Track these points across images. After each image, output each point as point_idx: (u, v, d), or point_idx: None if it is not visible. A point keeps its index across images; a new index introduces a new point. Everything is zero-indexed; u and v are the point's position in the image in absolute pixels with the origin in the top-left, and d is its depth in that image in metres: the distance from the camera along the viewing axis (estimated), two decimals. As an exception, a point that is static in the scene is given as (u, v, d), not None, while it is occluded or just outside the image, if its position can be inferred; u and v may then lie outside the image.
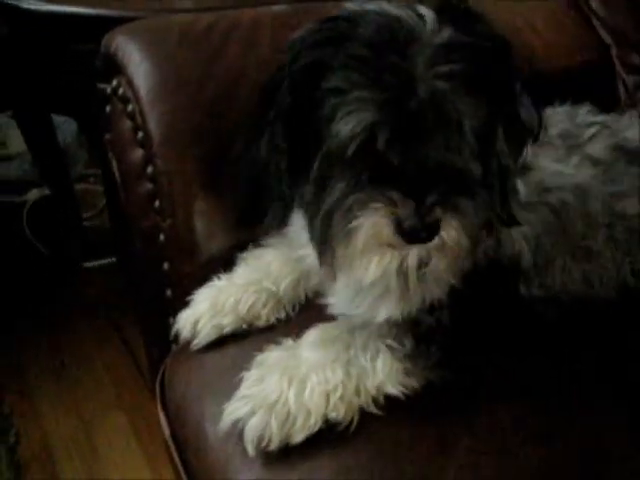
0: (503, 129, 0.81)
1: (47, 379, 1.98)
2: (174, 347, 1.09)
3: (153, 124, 1.05)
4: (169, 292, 1.13)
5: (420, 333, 0.86)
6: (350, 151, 0.75)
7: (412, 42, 0.75)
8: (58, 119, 2.22)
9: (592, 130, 1.07)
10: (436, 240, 0.75)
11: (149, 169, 1.08)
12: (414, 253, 0.78)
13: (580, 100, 1.15)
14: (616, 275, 1.03)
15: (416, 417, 0.84)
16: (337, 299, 0.93)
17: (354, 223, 0.75)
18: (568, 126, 1.07)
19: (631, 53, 1.41)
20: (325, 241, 0.79)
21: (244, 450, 0.82)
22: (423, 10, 0.78)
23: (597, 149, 1.05)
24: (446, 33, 0.76)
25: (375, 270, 0.80)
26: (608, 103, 1.42)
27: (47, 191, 2.29)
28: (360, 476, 0.79)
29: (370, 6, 0.80)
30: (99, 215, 2.45)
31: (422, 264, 0.80)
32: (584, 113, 1.12)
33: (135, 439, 1.80)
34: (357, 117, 0.73)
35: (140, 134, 1.08)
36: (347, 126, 0.74)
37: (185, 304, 1.02)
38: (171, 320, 1.12)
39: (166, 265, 1.12)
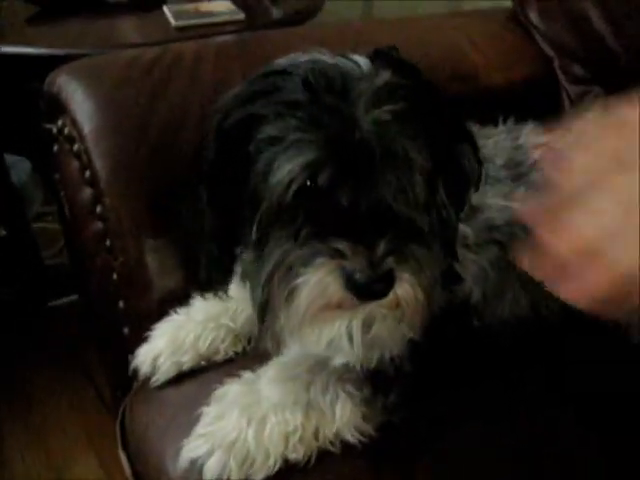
0: (444, 180, 0.78)
1: (14, 423, 1.94)
2: (134, 385, 1.08)
3: (99, 163, 1.04)
4: (126, 330, 1.12)
5: (379, 380, 0.84)
6: (289, 197, 0.70)
7: (350, 85, 0.71)
8: (11, 158, 2.20)
9: (536, 154, 1.05)
10: (390, 296, 0.69)
11: (98, 208, 1.07)
12: (365, 312, 0.73)
13: (525, 113, 1.15)
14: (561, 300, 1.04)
15: (371, 456, 0.83)
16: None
17: (296, 282, 0.68)
18: (512, 154, 1.05)
19: (573, 64, 1.43)
20: (266, 307, 0.72)
21: (205, 491, 0.81)
22: (357, 58, 0.76)
23: (540, 176, 1.01)
24: (384, 76, 0.73)
25: (324, 338, 0.78)
26: (553, 114, 1.45)
27: (3, 232, 2.25)
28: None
29: (303, 58, 0.77)
30: (59, 253, 2.42)
31: (372, 324, 0.76)
32: (527, 133, 1.10)
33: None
34: (296, 159, 0.69)
35: (87, 173, 1.07)
36: (284, 170, 0.69)
37: (143, 341, 1.00)
38: (130, 358, 1.11)
39: (121, 303, 1.10)
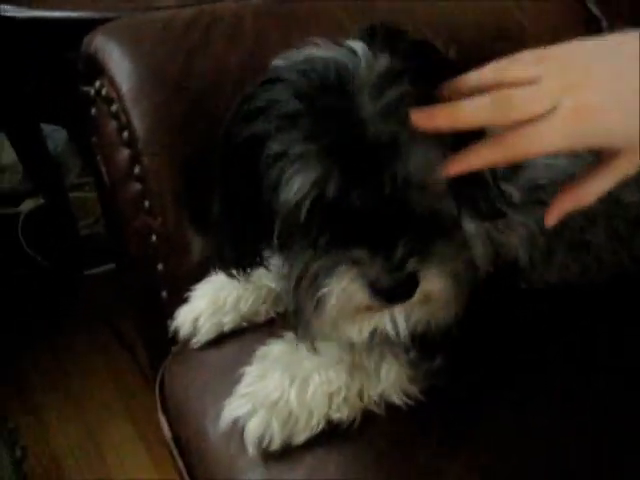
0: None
1: (51, 391, 1.96)
2: (173, 349, 1.07)
3: (137, 122, 1.03)
4: (164, 293, 1.11)
5: (425, 344, 0.82)
6: (303, 215, 0.69)
7: (348, 81, 0.68)
8: (48, 128, 2.20)
9: None
10: (417, 295, 0.68)
11: (136, 169, 1.06)
12: (397, 310, 0.73)
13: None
14: (614, 264, 1.01)
15: (417, 420, 0.82)
16: None
17: (322, 292, 0.68)
18: None
19: (623, 25, 1.38)
20: (298, 312, 0.73)
21: (246, 450, 0.80)
22: (353, 44, 0.72)
23: None
24: (383, 62, 0.70)
25: (361, 335, 0.77)
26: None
27: (41, 201, 2.27)
28: (363, 475, 0.78)
29: (298, 56, 0.74)
30: (95, 223, 2.43)
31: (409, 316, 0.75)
32: None
33: (143, 446, 1.78)
34: (302, 175, 0.67)
35: (125, 134, 1.06)
36: (291, 190, 0.68)
37: (182, 303, 1.00)
38: (168, 322, 1.10)
39: (160, 266, 1.09)
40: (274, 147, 0.69)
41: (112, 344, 2.11)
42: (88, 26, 1.24)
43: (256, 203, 0.72)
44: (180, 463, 0.93)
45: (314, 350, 0.79)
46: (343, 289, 0.67)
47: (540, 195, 0.93)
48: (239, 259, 0.80)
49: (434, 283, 0.68)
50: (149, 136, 1.02)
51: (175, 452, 0.95)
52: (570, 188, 0.71)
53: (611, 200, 0.98)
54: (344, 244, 0.67)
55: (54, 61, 1.91)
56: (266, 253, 0.82)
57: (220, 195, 0.76)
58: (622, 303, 0.98)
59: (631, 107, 0.63)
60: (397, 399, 0.81)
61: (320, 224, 0.69)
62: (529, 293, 0.98)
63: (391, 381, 0.81)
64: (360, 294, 0.67)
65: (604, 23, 1.41)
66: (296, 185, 0.67)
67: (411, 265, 0.65)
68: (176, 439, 0.95)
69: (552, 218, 0.71)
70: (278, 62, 0.75)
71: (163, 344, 1.12)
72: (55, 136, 2.33)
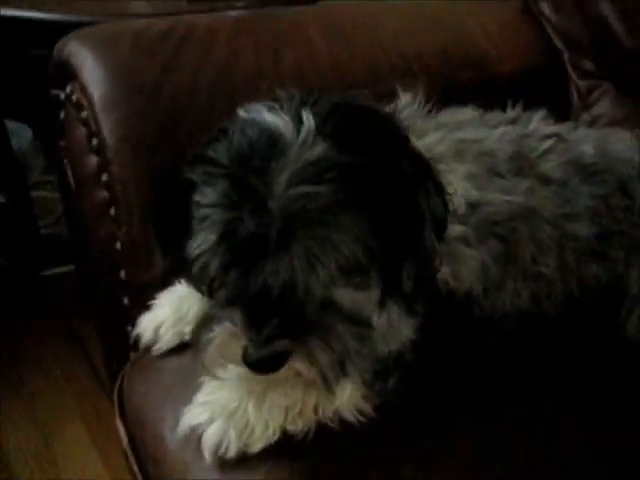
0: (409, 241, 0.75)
1: (6, 392, 1.95)
2: (132, 355, 1.08)
3: (107, 131, 1.04)
4: (126, 300, 1.12)
5: (378, 367, 0.84)
6: (195, 271, 0.75)
7: (277, 157, 0.69)
8: (12, 125, 2.19)
9: (546, 145, 1.05)
10: (285, 369, 0.73)
11: (104, 177, 1.07)
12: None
13: (533, 104, 1.15)
14: (564, 293, 1.04)
15: (369, 436, 0.83)
16: None
17: (208, 336, 0.74)
18: (519, 144, 1.03)
19: (582, 58, 1.44)
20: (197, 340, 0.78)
21: (203, 458, 0.81)
22: (305, 117, 0.72)
23: (550, 167, 1.02)
24: (318, 149, 0.70)
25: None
26: (561, 107, 1.46)
27: (2, 199, 2.25)
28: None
29: (252, 114, 0.76)
30: (56, 223, 2.42)
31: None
32: (538, 121, 1.10)
33: (95, 449, 1.78)
34: (201, 237, 0.72)
35: (95, 141, 1.07)
36: (193, 245, 0.73)
37: (143, 311, 1.00)
38: (129, 328, 1.11)
39: (123, 273, 1.11)
40: (197, 196, 0.73)
41: (68, 346, 2.11)
42: (58, 28, 1.26)
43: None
44: (136, 469, 0.94)
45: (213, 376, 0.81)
46: (224, 341, 0.73)
47: (496, 230, 0.96)
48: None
49: (302, 365, 0.72)
50: (119, 146, 1.04)
51: (131, 458, 0.95)
52: None
53: (562, 233, 1.02)
54: (235, 304, 0.72)
55: (23, 60, 1.90)
56: None
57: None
58: (571, 330, 1.02)
59: None
60: (350, 416, 0.83)
61: (218, 279, 0.75)
62: (482, 321, 1.01)
63: (345, 398, 0.83)
64: (236, 352, 0.72)
65: (565, 55, 1.46)
66: (195, 244, 0.72)
67: (277, 346, 0.70)
68: (133, 445, 0.96)
69: None
70: (241, 112, 0.78)
71: (122, 349, 1.13)
72: (20, 134, 2.31)
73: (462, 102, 1.07)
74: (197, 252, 0.72)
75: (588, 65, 1.44)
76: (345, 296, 0.75)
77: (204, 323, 0.76)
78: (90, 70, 1.08)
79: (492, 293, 0.98)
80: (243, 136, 0.72)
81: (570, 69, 1.46)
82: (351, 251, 0.70)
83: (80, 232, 1.26)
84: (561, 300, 1.04)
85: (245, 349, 0.71)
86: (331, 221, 0.69)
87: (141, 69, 1.08)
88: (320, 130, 0.71)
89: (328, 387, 0.75)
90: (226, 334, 0.72)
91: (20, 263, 2.26)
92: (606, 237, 1.05)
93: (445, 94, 0.95)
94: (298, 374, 0.74)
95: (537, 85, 1.43)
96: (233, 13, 1.30)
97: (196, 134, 1.02)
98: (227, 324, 0.72)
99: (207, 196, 0.72)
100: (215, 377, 0.80)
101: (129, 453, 0.96)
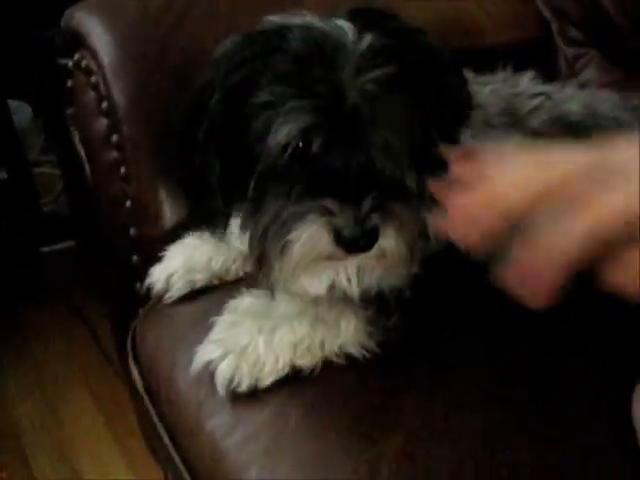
0: (434, 113, 0.81)
1: (11, 363, 1.99)
2: (145, 307, 1.13)
3: (118, 92, 1.09)
4: (135, 258, 1.17)
5: (381, 304, 0.88)
6: (285, 159, 0.75)
7: (337, 53, 0.76)
8: (13, 104, 2.22)
9: (535, 102, 1.10)
10: (375, 249, 0.75)
11: (114, 137, 1.11)
12: (354, 262, 0.79)
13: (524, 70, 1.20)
14: None
15: (373, 370, 0.88)
16: None
17: (290, 236, 0.74)
18: (509, 101, 1.09)
19: (570, 27, 1.49)
20: (262, 258, 0.79)
21: (215, 394, 0.86)
22: (341, 22, 0.79)
23: (539, 123, 1.08)
24: (367, 40, 0.77)
25: (323, 284, 0.83)
26: (550, 74, 1.51)
27: (4, 175, 2.29)
28: (326, 412, 0.85)
29: (295, 19, 0.81)
30: (55, 201, 2.46)
31: (363, 273, 0.82)
32: (528, 81, 1.16)
33: (101, 419, 1.84)
34: (291, 125, 0.74)
35: (104, 104, 1.11)
36: (281, 134, 0.74)
37: (152, 267, 1.05)
38: (137, 286, 1.16)
39: (132, 231, 1.15)
40: (264, 97, 0.76)
41: (69, 319, 2.15)
42: (58, 6, 1.29)
43: (240, 147, 0.78)
44: (152, 412, 0.99)
45: (273, 298, 0.86)
46: (310, 235, 0.73)
47: None
48: (212, 218, 0.87)
49: (391, 241, 0.75)
50: (129, 105, 1.08)
51: (147, 402, 1.00)
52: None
53: None
54: (316, 195, 0.74)
55: (23, 38, 1.93)
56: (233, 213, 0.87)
57: (211, 137, 0.80)
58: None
59: None
60: (355, 351, 0.88)
61: (298, 174, 0.76)
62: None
63: (350, 334, 0.87)
64: (324, 241, 0.73)
65: (554, 25, 1.51)
66: (284, 132, 0.74)
67: (374, 220, 0.73)
68: (147, 389, 1.01)
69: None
70: (274, 19, 0.83)
71: (131, 307, 1.17)
72: (20, 112, 2.35)
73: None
74: (284, 140, 0.74)
75: (575, 34, 1.49)
76: (411, 181, 0.80)
77: (276, 231, 0.75)
78: (99, 36, 1.12)
79: None
80: (301, 37, 0.77)
81: (558, 38, 1.51)
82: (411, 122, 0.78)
83: (86, 201, 1.30)
84: None
85: (338, 231, 0.72)
86: (396, 97, 0.76)
87: (148, 33, 1.13)
88: (358, 28, 0.78)
89: (408, 265, 0.79)
90: (313, 226, 0.73)
91: (21, 239, 2.29)
92: None
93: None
94: (383, 256, 0.77)
95: (528, 54, 1.47)
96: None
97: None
98: (312, 216, 0.73)
99: (284, 93, 0.74)
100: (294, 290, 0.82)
101: (144, 396, 1.01)
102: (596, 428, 0.84)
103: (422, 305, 0.90)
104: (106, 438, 1.77)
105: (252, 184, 0.78)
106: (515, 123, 1.07)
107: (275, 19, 0.83)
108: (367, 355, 0.88)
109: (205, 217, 0.87)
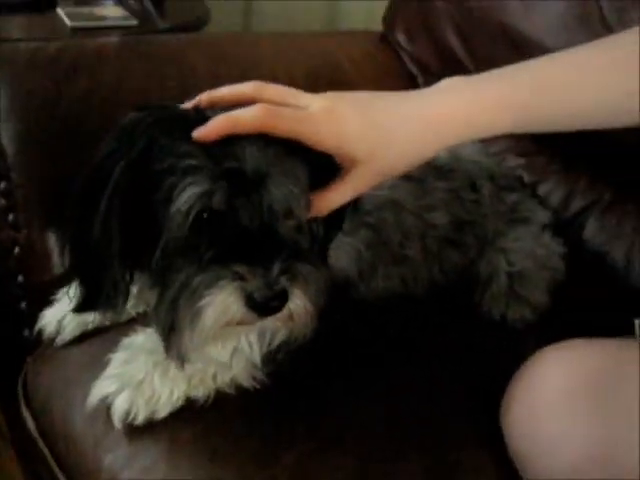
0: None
1: None
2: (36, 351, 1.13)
3: (7, 139, 1.10)
4: (24, 304, 1.17)
5: (271, 341, 0.93)
6: (188, 224, 0.75)
7: None
8: None
9: None
10: (284, 311, 0.77)
11: (2, 184, 1.13)
12: (261, 324, 0.80)
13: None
14: (428, 277, 1.20)
15: (264, 398, 0.94)
16: None
17: (201, 303, 0.74)
18: None
19: (434, 81, 1.61)
20: (171, 328, 0.78)
21: (112, 429, 0.89)
22: None
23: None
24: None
25: (227, 350, 0.89)
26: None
27: None
28: (220, 437, 0.89)
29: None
30: None
31: (266, 333, 0.88)
32: None
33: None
34: (193, 189, 0.74)
35: (-8, 152, 1.13)
36: (182, 199, 0.74)
37: (41, 312, 1.06)
38: (26, 333, 1.17)
39: (21, 277, 1.16)
40: (167, 162, 0.76)
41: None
42: None
43: (140, 217, 0.78)
44: (48, 454, 1.00)
45: (181, 368, 0.85)
46: (222, 300, 0.74)
47: (366, 219, 1.10)
48: (111, 295, 0.83)
49: (298, 301, 0.78)
50: (19, 152, 1.10)
51: (42, 444, 1.01)
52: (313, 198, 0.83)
53: (423, 222, 1.17)
54: (224, 261, 0.75)
55: None
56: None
57: (104, 212, 0.77)
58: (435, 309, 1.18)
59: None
60: (246, 382, 0.93)
61: (205, 240, 0.77)
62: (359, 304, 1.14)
63: (240, 368, 0.93)
64: (237, 306, 0.74)
65: (419, 79, 1.65)
66: (186, 196, 0.74)
67: (283, 282, 0.75)
68: (41, 432, 1.02)
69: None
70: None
71: (17, 356, 1.17)
72: None
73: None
74: (187, 206, 0.74)
75: (439, 87, 1.63)
76: (306, 242, 0.85)
77: (187, 300, 0.75)
78: (-14, 85, 1.14)
79: (366, 276, 1.12)
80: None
81: (424, 91, 1.64)
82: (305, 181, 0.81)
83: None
84: (426, 283, 1.20)
85: (250, 295, 0.74)
86: (292, 157, 0.80)
87: (38, 84, 1.15)
88: None
89: (311, 323, 0.81)
90: (225, 292, 0.74)
91: None
92: (460, 226, 1.21)
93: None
94: (290, 317, 0.79)
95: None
96: (118, 38, 1.39)
97: (91, 143, 1.11)
98: (223, 282, 0.74)
99: (188, 157, 0.75)
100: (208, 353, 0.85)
101: (38, 439, 1.01)
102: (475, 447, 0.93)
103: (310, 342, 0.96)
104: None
105: (157, 254, 0.78)
106: None
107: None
108: (257, 386, 0.94)
109: (97, 294, 0.83)
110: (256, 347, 0.91)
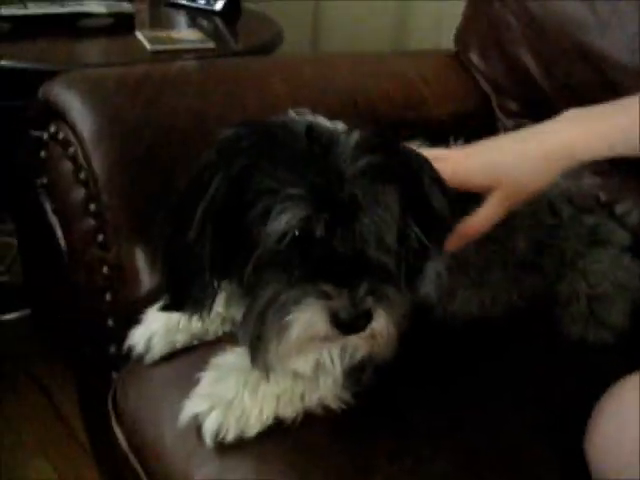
0: (416, 219, 0.88)
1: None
2: (114, 374, 1.17)
3: (97, 163, 1.15)
4: (111, 321, 1.21)
5: (356, 364, 0.95)
6: (284, 244, 0.78)
7: (332, 144, 0.81)
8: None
9: None
10: (368, 330, 0.79)
11: (92, 206, 1.17)
12: (344, 342, 0.84)
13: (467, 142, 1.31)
14: (506, 301, 1.20)
15: (351, 420, 0.95)
16: None
17: (288, 318, 0.77)
18: None
19: (507, 100, 1.62)
20: (258, 338, 0.81)
21: (202, 446, 0.91)
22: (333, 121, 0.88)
23: None
24: (356, 135, 0.83)
25: (309, 364, 0.90)
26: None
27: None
28: (308, 457, 0.91)
29: (302, 116, 0.89)
30: (8, 269, 2.45)
31: (349, 351, 0.90)
32: None
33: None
34: (292, 212, 0.77)
35: (82, 174, 1.17)
36: (282, 221, 0.77)
37: (127, 330, 1.09)
38: (112, 350, 1.20)
39: (108, 296, 1.19)
40: (266, 183, 0.79)
41: (27, 389, 2.13)
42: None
43: (234, 230, 0.82)
44: (139, 469, 1.02)
45: (266, 377, 0.89)
46: (309, 317, 0.77)
47: None
48: (199, 300, 0.87)
49: (382, 321, 0.80)
50: (109, 175, 1.14)
51: (133, 460, 1.03)
52: (460, 227, 0.98)
53: (504, 247, 1.17)
54: (313, 280, 0.78)
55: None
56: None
57: (199, 222, 0.82)
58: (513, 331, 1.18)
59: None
60: (332, 403, 0.95)
61: (296, 258, 0.79)
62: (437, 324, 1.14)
63: (327, 388, 0.94)
64: (322, 323, 0.77)
65: (493, 98, 1.65)
66: (285, 218, 0.77)
67: (368, 303, 0.77)
68: (133, 448, 1.04)
69: (450, 247, 0.99)
70: (291, 113, 0.90)
71: (103, 372, 1.21)
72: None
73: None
74: (285, 228, 0.77)
75: (513, 105, 1.62)
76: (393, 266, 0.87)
77: (274, 314, 0.79)
78: (78, 109, 1.18)
79: (445, 299, 1.12)
80: (303, 129, 0.83)
81: (497, 110, 1.64)
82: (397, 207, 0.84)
83: (53, 268, 1.34)
84: (504, 306, 1.20)
85: (335, 313, 0.77)
86: (385, 183, 0.82)
87: (125, 108, 1.19)
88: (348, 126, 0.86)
89: (393, 344, 0.84)
90: (311, 309, 0.77)
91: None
92: (540, 250, 1.21)
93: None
94: (373, 336, 0.81)
95: (471, 125, 1.60)
96: (198, 62, 1.43)
97: (175, 165, 1.16)
98: (310, 300, 0.77)
99: (286, 180, 0.78)
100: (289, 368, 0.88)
101: (130, 455, 1.04)
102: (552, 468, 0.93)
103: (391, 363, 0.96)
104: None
105: (250, 267, 0.81)
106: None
107: (292, 114, 0.90)
108: (343, 406, 0.95)
109: (186, 297, 0.87)
110: (337, 362, 0.92)
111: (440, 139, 1.28)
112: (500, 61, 1.62)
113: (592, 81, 1.41)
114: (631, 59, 1.38)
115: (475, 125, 1.63)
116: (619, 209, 1.43)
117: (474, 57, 1.67)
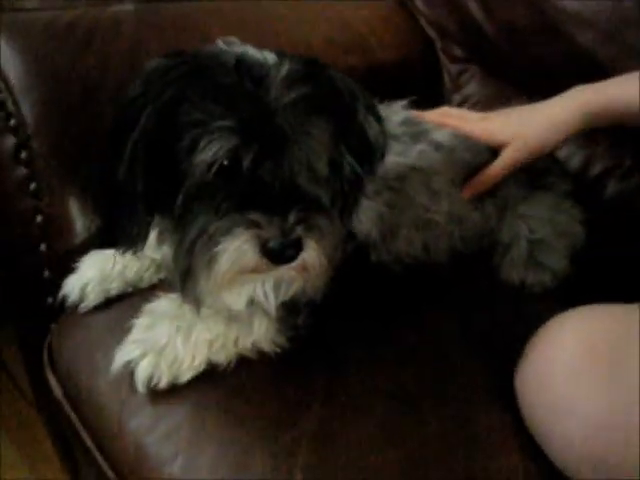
0: (351, 148, 0.87)
1: None
2: (53, 326, 1.15)
3: (27, 109, 1.11)
4: (47, 272, 1.18)
5: (291, 305, 0.94)
6: (211, 175, 0.78)
7: (262, 76, 0.79)
8: None
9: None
10: (298, 260, 0.78)
11: (23, 154, 1.13)
12: (276, 274, 0.82)
13: (411, 87, 1.30)
14: (449, 244, 1.21)
15: (285, 363, 0.95)
16: None
17: (216, 249, 0.76)
18: (407, 114, 1.18)
19: (452, 45, 1.61)
20: (187, 272, 0.81)
21: (135, 393, 0.91)
22: (264, 52, 0.85)
23: (442, 135, 1.18)
24: (287, 65, 0.81)
25: (242, 298, 0.89)
26: (436, 89, 1.63)
27: None
28: (242, 402, 0.91)
29: (228, 47, 0.87)
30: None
31: (282, 285, 0.88)
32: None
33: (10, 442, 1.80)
34: (219, 143, 0.76)
35: (12, 121, 1.13)
36: (210, 152, 0.76)
37: (64, 280, 1.07)
38: (49, 300, 1.18)
39: (43, 246, 1.17)
40: (194, 114, 0.78)
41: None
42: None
43: (164, 163, 0.80)
44: (74, 417, 1.02)
45: (197, 312, 0.89)
46: (238, 246, 0.76)
47: (389, 183, 1.10)
48: (133, 235, 0.86)
49: (312, 252, 0.80)
50: (39, 122, 1.11)
51: (68, 408, 1.03)
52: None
53: (451, 184, 1.18)
54: (242, 210, 0.77)
55: None
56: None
57: (130, 156, 0.80)
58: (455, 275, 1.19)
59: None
60: (267, 347, 0.95)
61: (224, 189, 0.79)
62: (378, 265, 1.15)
63: (262, 332, 0.94)
64: (251, 252, 0.76)
65: (437, 43, 1.64)
66: (212, 150, 0.76)
67: (298, 232, 0.77)
68: (67, 396, 1.04)
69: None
70: (219, 43, 0.88)
71: (41, 323, 1.19)
72: None
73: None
74: (212, 159, 0.77)
75: (457, 51, 1.62)
76: (326, 197, 0.86)
77: (203, 245, 0.78)
78: (5, 54, 1.13)
79: (388, 239, 1.12)
80: (233, 60, 0.81)
81: (442, 55, 1.64)
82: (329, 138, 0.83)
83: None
84: (447, 250, 1.20)
85: (264, 243, 0.76)
86: (315, 114, 0.81)
87: (55, 53, 1.15)
88: (279, 57, 0.83)
89: (325, 276, 0.84)
90: (240, 239, 0.76)
91: None
92: (481, 196, 1.22)
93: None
94: (304, 267, 0.80)
95: (415, 70, 1.59)
96: (132, 6, 1.38)
97: (107, 110, 1.12)
98: (239, 229, 0.76)
99: (214, 111, 0.77)
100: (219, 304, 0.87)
101: (64, 403, 1.03)
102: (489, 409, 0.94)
103: (326, 305, 0.97)
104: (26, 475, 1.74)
105: (179, 200, 0.80)
106: (420, 133, 1.16)
107: (220, 44, 0.87)
108: (278, 350, 0.95)
109: (120, 233, 0.86)
110: (272, 298, 0.91)
111: (386, 85, 1.28)
112: (445, 6, 1.61)
113: (533, 23, 1.40)
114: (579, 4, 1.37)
115: (420, 70, 1.62)
116: (561, 153, 1.44)
117: (419, 2, 1.65)
